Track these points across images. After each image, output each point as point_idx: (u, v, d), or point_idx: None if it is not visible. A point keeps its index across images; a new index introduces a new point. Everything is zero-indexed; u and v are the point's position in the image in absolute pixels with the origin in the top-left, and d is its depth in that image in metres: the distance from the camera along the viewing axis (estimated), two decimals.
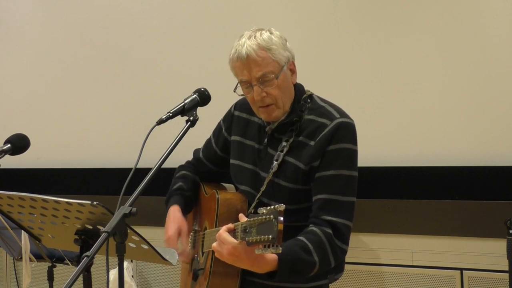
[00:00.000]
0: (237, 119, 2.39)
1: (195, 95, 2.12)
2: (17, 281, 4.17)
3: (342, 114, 2.19)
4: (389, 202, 3.56)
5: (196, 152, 2.59)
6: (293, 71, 2.22)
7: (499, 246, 3.19)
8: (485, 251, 3.35)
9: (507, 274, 3.03)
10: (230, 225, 1.94)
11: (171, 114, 2.05)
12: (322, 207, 2.10)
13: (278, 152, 2.19)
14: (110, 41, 4.39)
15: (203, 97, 2.13)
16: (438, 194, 3.47)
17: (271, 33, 2.17)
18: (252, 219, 1.81)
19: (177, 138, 2.02)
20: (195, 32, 4.09)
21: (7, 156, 2.20)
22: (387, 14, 3.62)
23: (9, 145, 2.21)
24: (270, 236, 1.71)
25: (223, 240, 1.91)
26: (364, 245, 3.60)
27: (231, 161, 2.38)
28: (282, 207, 1.74)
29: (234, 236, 1.90)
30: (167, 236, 2.29)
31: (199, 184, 2.51)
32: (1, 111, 4.75)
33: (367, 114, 3.64)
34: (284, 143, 2.18)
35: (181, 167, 2.57)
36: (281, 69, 2.14)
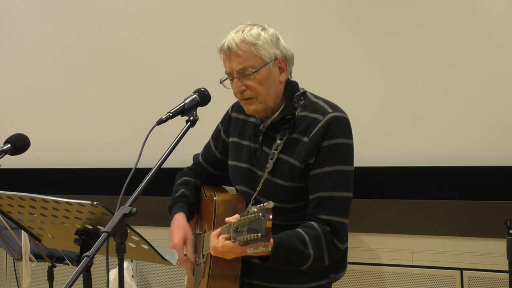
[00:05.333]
0: (235, 121, 2.39)
1: (195, 95, 2.12)
2: (17, 281, 4.17)
3: (335, 108, 2.17)
4: (389, 202, 3.56)
5: (195, 157, 2.58)
6: (282, 70, 2.19)
7: (499, 246, 3.19)
8: (485, 251, 3.35)
9: (507, 274, 3.03)
10: (220, 229, 1.97)
11: (171, 114, 2.04)
12: (319, 205, 2.10)
13: (272, 151, 2.19)
14: (109, 41, 4.39)
15: (203, 97, 2.13)
16: (438, 194, 3.47)
17: (263, 29, 2.17)
18: (242, 218, 1.81)
19: (177, 138, 2.01)
20: (195, 32, 4.09)
21: (7, 156, 2.20)
22: (388, 14, 3.63)
23: (9, 145, 2.21)
24: (259, 234, 1.71)
25: (218, 246, 1.94)
26: (364, 245, 3.60)
27: (229, 162, 2.38)
28: (270, 204, 1.72)
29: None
30: (172, 244, 2.28)
31: (201, 188, 2.50)
32: (1, 111, 4.75)
33: (367, 114, 3.64)
34: (278, 141, 2.18)
35: (182, 174, 2.55)
36: (264, 65, 2.13)
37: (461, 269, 3.40)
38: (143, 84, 4.28)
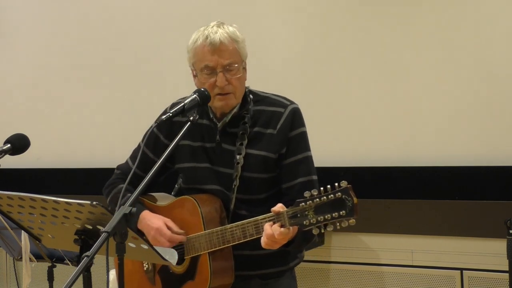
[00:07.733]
0: (179, 124, 2.25)
1: (195, 95, 2.12)
2: (17, 281, 4.16)
3: (289, 100, 2.30)
4: (389, 202, 3.56)
5: (123, 166, 2.49)
6: (245, 69, 2.28)
7: (499, 246, 3.19)
8: (485, 251, 3.35)
9: (507, 274, 3.03)
10: (270, 222, 2.01)
11: (171, 114, 2.05)
12: (301, 189, 2.13)
13: (237, 146, 2.23)
14: (110, 41, 4.39)
15: (203, 97, 2.13)
16: (438, 194, 3.47)
17: (234, 28, 2.25)
18: (305, 204, 1.92)
19: (177, 138, 2.02)
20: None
21: (7, 156, 2.20)
22: (389, 14, 3.63)
23: (9, 145, 2.21)
24: (343, 212, 1.86)
25: (275, 234, 1.98)
26: (364, 245, 3.59)
27: (184, 165, 2.34)
28: (344, 183, 1.87)
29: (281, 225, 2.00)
30: (155, 230, 2.23)
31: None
32: (1, 111, 4.75)
33: (367, 114, 3.64)
34: (241, 136, 2.24)
35: (114, 184, 2.46)
36: (242, 63, 2.23)
37: (461, 269, 3.40)
38: (143, 84, 4.28)
